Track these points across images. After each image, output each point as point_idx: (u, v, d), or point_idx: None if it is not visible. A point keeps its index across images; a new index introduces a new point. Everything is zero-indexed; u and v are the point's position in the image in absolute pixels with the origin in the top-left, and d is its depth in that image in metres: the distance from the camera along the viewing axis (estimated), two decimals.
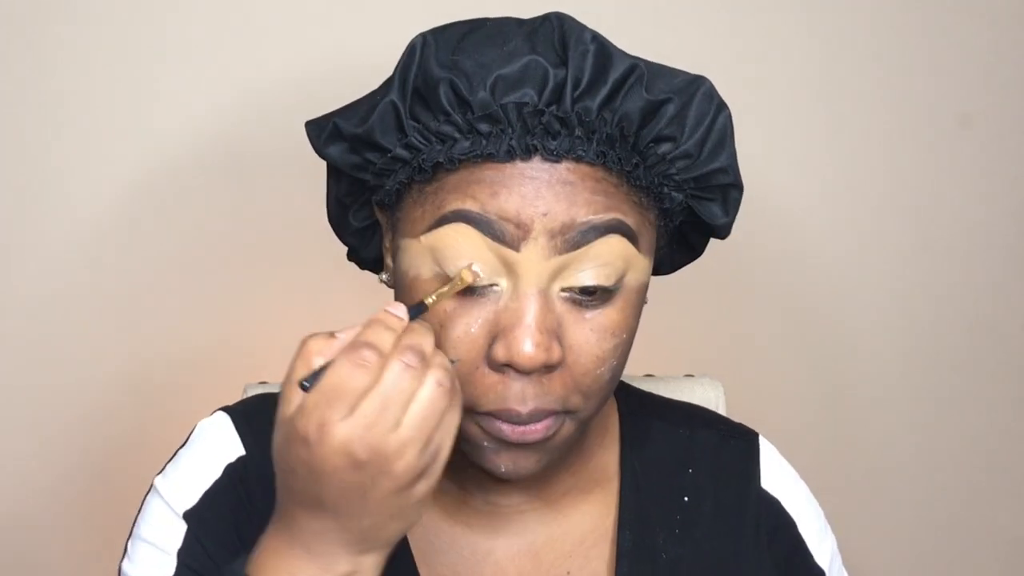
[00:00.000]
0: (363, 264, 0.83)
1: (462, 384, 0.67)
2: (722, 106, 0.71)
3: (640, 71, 0.68)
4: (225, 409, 0.81)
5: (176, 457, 0.79)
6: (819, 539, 0.86)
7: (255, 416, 0.79)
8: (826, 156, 1.40)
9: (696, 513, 0.83)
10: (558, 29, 0.68)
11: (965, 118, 1.43)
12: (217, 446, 0.78)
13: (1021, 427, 1.52)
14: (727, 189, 0.73)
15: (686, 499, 0.83)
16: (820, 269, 1.42)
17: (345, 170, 0.73)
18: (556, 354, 0.67)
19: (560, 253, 0.66)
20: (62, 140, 1.18)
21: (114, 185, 1.20)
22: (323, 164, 0.77)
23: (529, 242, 0.66)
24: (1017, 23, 1.43)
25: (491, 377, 0.68)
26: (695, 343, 1.28)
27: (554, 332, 0.67)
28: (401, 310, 0.64)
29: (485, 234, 0.66)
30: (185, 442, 0.80)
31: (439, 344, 0.67)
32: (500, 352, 0.66)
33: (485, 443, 0.70)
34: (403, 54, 0.69)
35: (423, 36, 0.69)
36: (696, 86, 0.70)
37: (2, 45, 1.15)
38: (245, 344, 1.23)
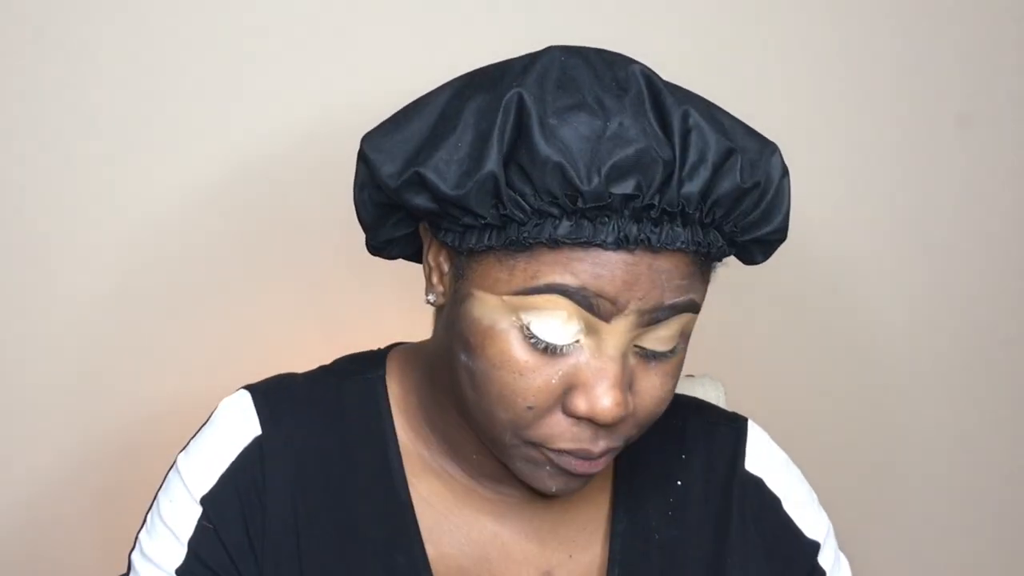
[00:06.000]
0: (376, 254, 0.82)
1: (534, 424, 0.71)
2: (785, 172, 0.74)
3: (736, 156, 0.69)
4: (247, 387, 0.82)
5: (198, 435, 0.80)
6: (809, 516, 0.87)
7: (276, 393, 0.81)
8: (825, 156, 1.40)
9: (688, 496, 0.85)
10: (650, 96, 0.68)
11: (965, 118, 1.43)
12: (236, 426, 0.79)
13: (1020, 425, 1.53)
14: (772, 241, 0.76)
15: (679, 483, 0.86)
16: (821, 269, 1.43)
17: (419, 216, 0.73)
18: (631, 407, 0.71)
19: (642, 327, 0.70)
20: (82, 152, 1.18)
21: (139, 195, 1.20)
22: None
23: (620, 317, 0.68)
24: (1017, 23, 1.43)
25: (565, 422, 0.71)
26: (696, 343, 1.27)
27: (628, 386, 0.71)
28: None
29: (579, 305, 0.68)
30: (208, 420, 0.81)
31: (516, 391, 0.69)
32: (582, 406, 0.69)
33: (547, 468, 0.73)
34: (499, 113, 0.66)
35: (519, 95, 0.66)
36: (768, 156, 0.72)
37: (54, 59, 1.15)
38: (255, 343, 1.24)
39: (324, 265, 1.22)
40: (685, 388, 1.03)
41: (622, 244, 0.67)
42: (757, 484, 0.87)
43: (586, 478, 0.74)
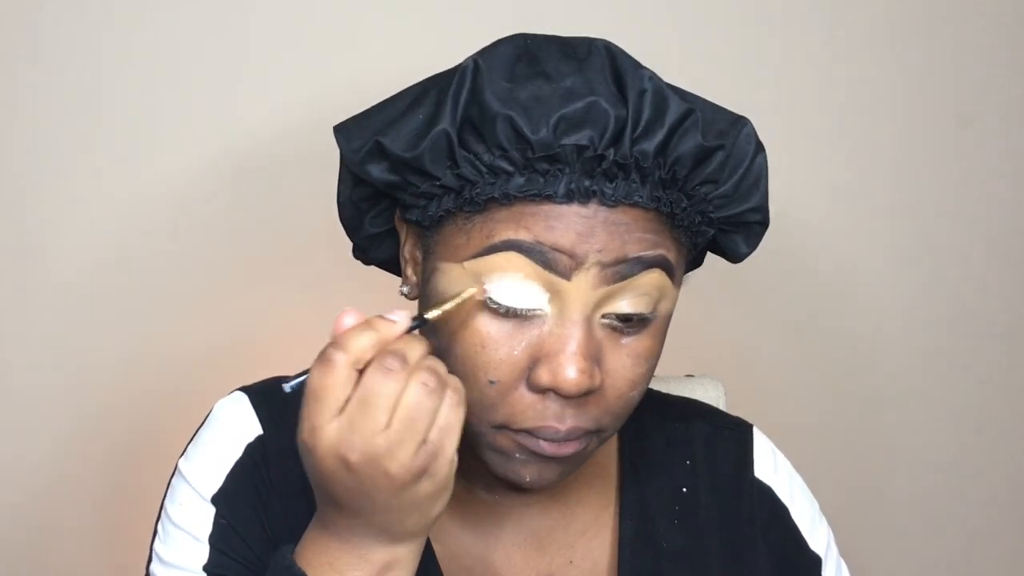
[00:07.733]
0: (369, 262, 0.84)
1: (498, 403, 0.69)
2: (760, 148, 0.73)
3: (696, 116, 0.68)
4: (243, 389, 0.82)
5: (197, 438, 0.80)
6: (813, 526, 0.87)
7: (272, 396, 0.81)
8: (824, 157, 1.41)
9: (694, 503, 0.85)
10: (610, 63, 0.68)
11: (965, 118, 1.43)
12: (236, 425, 0.79)
13: (1019, 425, 1.53)
14: (753, 225, 0.75)
15: (684, 490, 0.85)
16: (821, 269, 1.43)
17: (380, 187, 0.72)
18: (597, 380, 0.69)
19: (608, 284, 0.68)
20: (80, 146, 1.18)
21: (135, 191, 1.20)
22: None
23: (580, 272, 0.67)
24: (1017, 23, 1.44)
25: (529, 397, 0.69)
26: (696, 343, 1.28)
27: (595, 358, 0.69)
28: (399, 316, 0.64)
29: (536, 262, 0.67)
30: (204, 422, 0.81)
31: (478, 365, 0.68)
32: (544, 377, 0.68)
33: (517, 455, 0.71)
34: (454, 79, 0.68)
35: (474, 61, 0.68)
36: (739, 128, 0.72)
37: (43, 52, 1.15)
38: (251, 343, 1.24)
39: (319, 265, 1.22)
40: (685, 388, 1.03)
41: (573, 196, 0.66)
42: (767, 492, 0.86)
43: (561, 467, 0.72)
